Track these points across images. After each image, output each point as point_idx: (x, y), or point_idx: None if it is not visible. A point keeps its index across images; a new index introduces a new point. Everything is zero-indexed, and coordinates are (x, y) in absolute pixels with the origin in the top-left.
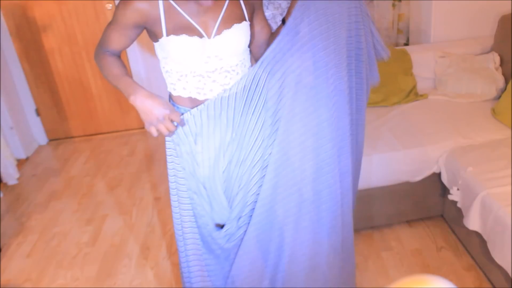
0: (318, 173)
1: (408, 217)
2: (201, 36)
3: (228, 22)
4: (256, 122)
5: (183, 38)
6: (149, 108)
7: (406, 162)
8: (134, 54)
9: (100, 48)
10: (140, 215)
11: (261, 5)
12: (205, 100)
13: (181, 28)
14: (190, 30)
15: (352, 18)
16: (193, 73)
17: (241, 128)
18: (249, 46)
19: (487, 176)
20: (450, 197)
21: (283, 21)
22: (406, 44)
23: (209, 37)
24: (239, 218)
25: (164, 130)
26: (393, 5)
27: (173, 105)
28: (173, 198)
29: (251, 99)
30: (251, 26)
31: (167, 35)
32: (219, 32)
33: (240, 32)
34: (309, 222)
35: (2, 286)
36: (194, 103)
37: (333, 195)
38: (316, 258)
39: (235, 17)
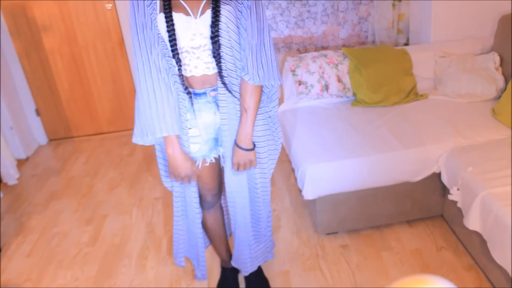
0: None
1: (408, 217)
2: (187, 14)
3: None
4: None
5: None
6: (178, 165)
7: (406, 162)
8: None
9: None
10: (140, 215)
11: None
12: (191, 77)
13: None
14: (178, 8)
15: None
16: (180, 49)
17: None
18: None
19: (487, 176)
20: (450, 197)
21: None
22: (406, 44)
23: (195, 16)
24: None
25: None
26: (393, 5)
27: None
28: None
29: None
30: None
31: (159, 12)
32: (203, 12)
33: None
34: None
35: (2, 286)
36: (185, 79)
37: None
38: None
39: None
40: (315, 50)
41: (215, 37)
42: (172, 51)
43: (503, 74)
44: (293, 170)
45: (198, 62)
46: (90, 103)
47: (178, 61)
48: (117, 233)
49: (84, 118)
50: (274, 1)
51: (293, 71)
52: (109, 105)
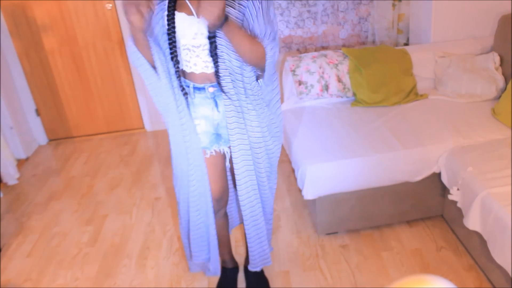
0: None
1: (408, 217)
2: (190, 13)
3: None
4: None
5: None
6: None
7: (406, 162)
8: None
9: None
10: (140, 215)
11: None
12: (191, 73)
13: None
14: (182, 8)
15: None
16: (183, 46)
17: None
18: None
19: (487, 176)
20: (450, 197)
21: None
22: (406, 44)
23: (198, 16)
24: None
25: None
26: (393, 5)
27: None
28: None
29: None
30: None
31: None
32: None
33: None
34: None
35: (2, 286)
36: (184, 74)
37: None
38: None
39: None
40: (315, 50)
41: (212, 37)
42: (171, 53)
43: (503, 74)
44: (293, 170)
45: (198, 60)
46: (90, 103)
47: (176, 63)
48: (117, 233)
49: (84, 118)
50: (274, 1)
51: (293, 71)
52: (109, 105)
